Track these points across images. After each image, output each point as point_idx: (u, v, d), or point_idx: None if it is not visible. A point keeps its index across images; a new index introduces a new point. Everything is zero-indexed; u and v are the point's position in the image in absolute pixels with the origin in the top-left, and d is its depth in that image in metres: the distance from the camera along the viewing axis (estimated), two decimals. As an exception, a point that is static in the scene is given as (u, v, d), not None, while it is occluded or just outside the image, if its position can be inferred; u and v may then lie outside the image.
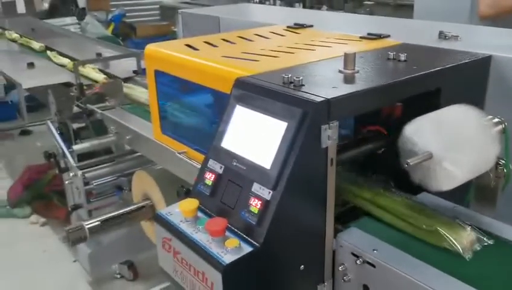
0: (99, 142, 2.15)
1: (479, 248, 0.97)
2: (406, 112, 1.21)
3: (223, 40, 1.58)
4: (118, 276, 2.61)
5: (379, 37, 1.52)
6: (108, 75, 2.52)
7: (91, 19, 6.16)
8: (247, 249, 0.91)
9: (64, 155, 2.18)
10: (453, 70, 1.20)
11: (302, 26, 1.78)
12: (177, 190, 1.50)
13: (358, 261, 0.99)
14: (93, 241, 2.48)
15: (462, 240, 0.96)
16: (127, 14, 7.47)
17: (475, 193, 1.14)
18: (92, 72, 2.52)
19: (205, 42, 1.55)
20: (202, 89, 1.37)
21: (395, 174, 1.13)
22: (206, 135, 1.39)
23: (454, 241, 0.96)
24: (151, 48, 1.55)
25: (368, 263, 0.98)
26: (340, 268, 1.04)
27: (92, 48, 3.17)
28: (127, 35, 7.11)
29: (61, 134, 2.30)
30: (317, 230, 1.02)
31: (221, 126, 1.09)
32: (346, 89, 1.03)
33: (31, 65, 2.77)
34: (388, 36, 1.52)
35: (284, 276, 0.99)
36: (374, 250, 0.98)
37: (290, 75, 1.05)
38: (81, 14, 6.13)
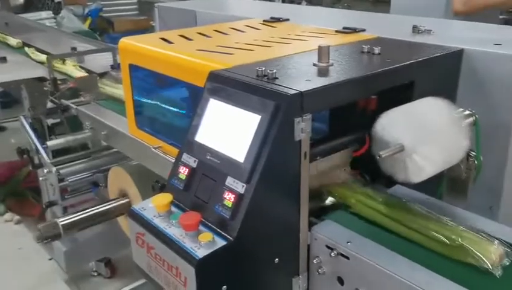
0: (74, 138, 2.12)
1: (508, 263, 0.91)
2: (380, 105, 1.21)
3: (199, 33, 1.57)
4: (95, 273, 2.58)
5: (354, 31, 1.53)
6: (85, 70, 2.48)
7: (67, 13, 6.03)
8: (220, 243, 0.91)
9: (37, 151, 2.14)
10: (426, 63, 1.21)
11: (278, 20, 1.78)
12: (152, 185, 1.49)
13: (332, 254, 1.00)
14: (69, 239, 2.44)
15: (491, 255, 0.89)
16: (104, 9, 7.35)
17: (447, 185, 1.15)
18: (73, 69, 2.47)
19: (180, 36, 1.53)
20: (177, 83, 1.35)
21: (370, 167, 1.13)
22: (180, 129, 1.37)
23: (482, 257, 0.89)
24: (125, 41, 1.52)
25: (342, 255, 0.98)
26: (314, 261, 1.04)
27: (68, 43, 3.10)
28: (104, 30, 7.00)
29: (35, 130, 2.26)
30: (291, 223, 1.02)
31: (195, 120, 1.08)
32: (319, 82, 1.03)
33: (3, 60, 2.71)
34: (363, 30, 1.53)
35: (258, 269, 0.99)
36: (348, 242, 0.99)
37: (263, 68, 1.05)
38: (56, 8, 6.01)
